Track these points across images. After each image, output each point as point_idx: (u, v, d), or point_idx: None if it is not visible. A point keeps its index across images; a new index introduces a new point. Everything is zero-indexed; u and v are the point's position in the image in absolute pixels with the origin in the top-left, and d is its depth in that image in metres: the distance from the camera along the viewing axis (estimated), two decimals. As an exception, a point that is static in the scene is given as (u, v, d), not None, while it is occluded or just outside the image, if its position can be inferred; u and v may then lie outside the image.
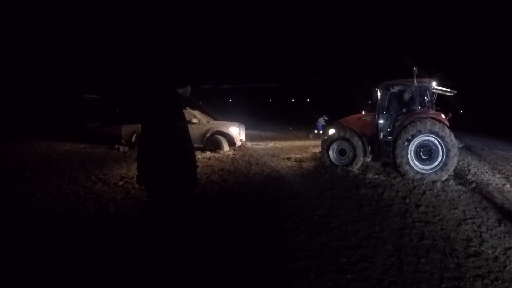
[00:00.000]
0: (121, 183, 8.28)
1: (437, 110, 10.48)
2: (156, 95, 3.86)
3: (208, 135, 14.04)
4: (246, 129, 16.28)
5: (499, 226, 6.20)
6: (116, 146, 14.49)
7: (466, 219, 6.48)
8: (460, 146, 10.01)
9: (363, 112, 12.31)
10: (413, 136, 9.81)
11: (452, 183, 9.34)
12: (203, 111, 16.29)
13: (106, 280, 3.92)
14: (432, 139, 9.77)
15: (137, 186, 7.78)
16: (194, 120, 13.94)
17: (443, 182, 9.34)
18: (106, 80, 65.34)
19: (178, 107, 3.78)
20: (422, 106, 10.52)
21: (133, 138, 14.23)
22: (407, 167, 9.79)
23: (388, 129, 10.75)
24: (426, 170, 9.79)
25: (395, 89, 10.93)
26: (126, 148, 14.07)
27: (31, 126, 26.92)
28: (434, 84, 10.60)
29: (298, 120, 33.96)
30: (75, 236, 5.10)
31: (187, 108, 13.90)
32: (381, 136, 10.65)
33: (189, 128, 3.88)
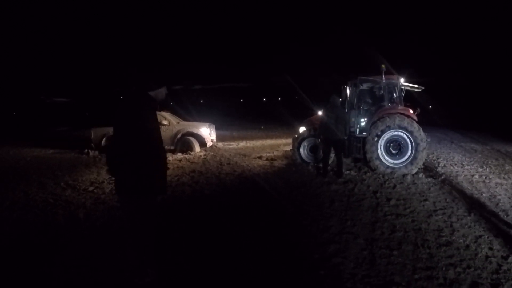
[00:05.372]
0: (91, 188, 8.11)
1: (405, 106, 10.64)
2: (127, 97, 3.80)
3: (179, 136, 13.93)
4: (217, 129, 16.25)
5: (469, 215, 6.36)
6: (86, 150, 14.19)
7: (436, 210, 6.61)
8: (428, 140, 10.18)
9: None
10: (383, 132, 9.93)
11: (422, 176, 9.53)
12: (174, 112, 16.14)
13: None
14: (401, 134, 9.93)
15: (107, 191, 7.69)
16: (164, 122, 13.77)
17: (413, 175, 9.53)
18: (76, 83, 64.01)
19: (150, 110, 3.72)
20: (391, 102, 10.66)
21: (103, 142, 14.03)
22: (377, 162, 9.92)
23: (358, 126, 10.85)
24: (396, 164, 9.94)
25: (364, 86, 11.04)
26: (96, 152, 13.78)
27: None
28: (402, 80, 10.77)
29: (270, 119, 34.04)
30: (44, 245, 4.97)
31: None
32: (357, 133, 10.69)
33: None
